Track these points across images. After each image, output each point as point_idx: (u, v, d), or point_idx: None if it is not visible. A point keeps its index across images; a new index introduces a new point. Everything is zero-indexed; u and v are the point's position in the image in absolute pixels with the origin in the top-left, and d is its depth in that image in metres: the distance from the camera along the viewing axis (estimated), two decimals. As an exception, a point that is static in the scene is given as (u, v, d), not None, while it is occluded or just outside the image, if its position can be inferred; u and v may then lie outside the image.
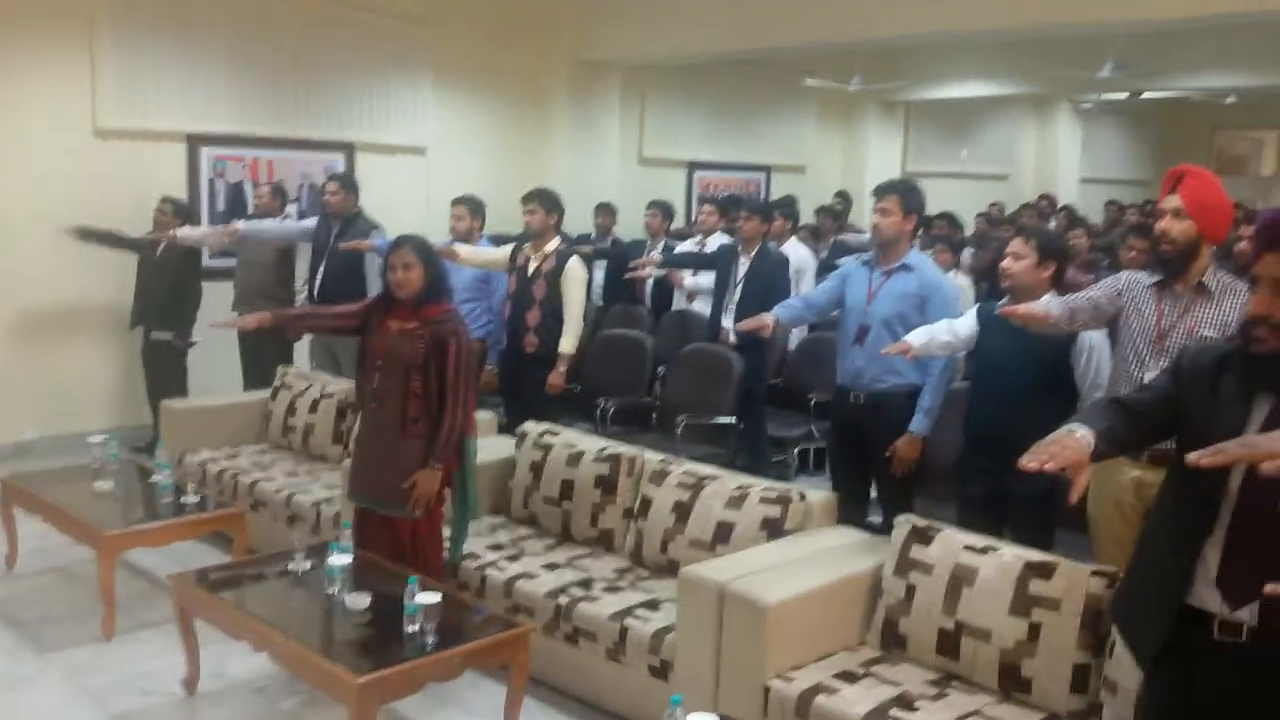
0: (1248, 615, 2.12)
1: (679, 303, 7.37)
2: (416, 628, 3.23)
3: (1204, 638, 2.18)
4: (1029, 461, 2.00)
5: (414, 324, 3.85)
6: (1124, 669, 2.84)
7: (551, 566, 4.06)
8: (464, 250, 5.65)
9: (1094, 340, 3.71)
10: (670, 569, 3.83)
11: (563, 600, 3.79)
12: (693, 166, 11.61)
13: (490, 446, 4.70)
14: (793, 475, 6.39)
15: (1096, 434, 2.12)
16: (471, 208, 6.08)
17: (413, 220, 7.16)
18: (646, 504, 4.13)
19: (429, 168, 8.75)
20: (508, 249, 5.66)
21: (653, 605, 3.72)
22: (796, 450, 6.43)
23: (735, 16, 8.40)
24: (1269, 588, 1.63)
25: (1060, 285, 3.85)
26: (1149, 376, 3.25)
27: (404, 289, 3.85)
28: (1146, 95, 14.33)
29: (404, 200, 8.28)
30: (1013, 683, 3.08)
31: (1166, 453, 2.30)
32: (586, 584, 3.89)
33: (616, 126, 10.12)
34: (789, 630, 3.25)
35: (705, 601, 3.35)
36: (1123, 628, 2.55)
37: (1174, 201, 3.32)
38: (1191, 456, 1.88)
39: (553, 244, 5.49)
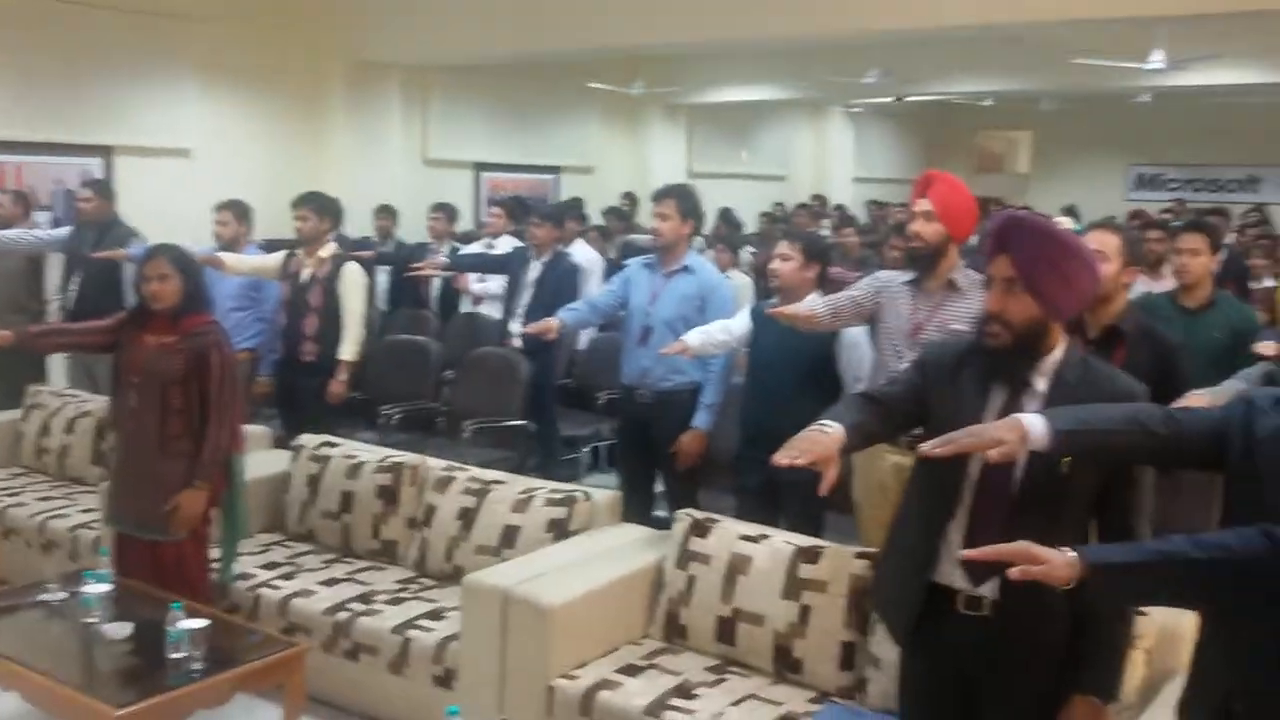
0: (989, 590, 2.28)
1: (466, 306, 7.28)
2: (182, 655, 3.07)
3: (951, 612, 2.34)
4: (781, 458, 2.08)
5: (172, 338, 3.65)
6: (886, 645, 3.00)
7: (330, 582, 3.94)
8: (230, 258, 5.41)
9: (855, 336, 3.90)
10: (456, 577, 3.78)
11: (341, 616, 3.69)
12: (479, 168, 11.54)
13: (264, 461, 4.53)
14: (584, 473, 6.44)
15: (846, 428, 2.23)
16: (237, 213, 5.83)
17: (178, 227, 6.76)
18: (430, 512, 4.07)
19: (194, 171, 8.36)
20: (279, 255, 5.46)
21: (437, 615, 3.67)
22: (588, 448, 6.48)
23: (516, 19, 8.40)
24: (964, 552, 1.78)
25: (825, 285, 4.03)
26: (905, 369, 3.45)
27: (160, 301, 3.65)
28: (911, 99, 15.21)
29: (168, 206, 7.82)
30: (786, 664, 3.21)
31: (922, 438, 2.45)
32: (367, 598, 3.80)
33: (398, 128, 9.95)
34: (573, 630, 3.27)
35: (489, 607, 3.33)
36: (879, 607, 2.70)
37: (924, 205, 3.53)
38: (924, 447, 2.01)
39: (328, 249, 5.33)
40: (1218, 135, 16.04)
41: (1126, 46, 9.56)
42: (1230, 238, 8.62)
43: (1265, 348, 3.57)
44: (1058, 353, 2.31)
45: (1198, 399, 2.96)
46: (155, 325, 3.69)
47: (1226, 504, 2.04)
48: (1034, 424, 1.99)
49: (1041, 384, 2.29)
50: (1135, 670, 2.64)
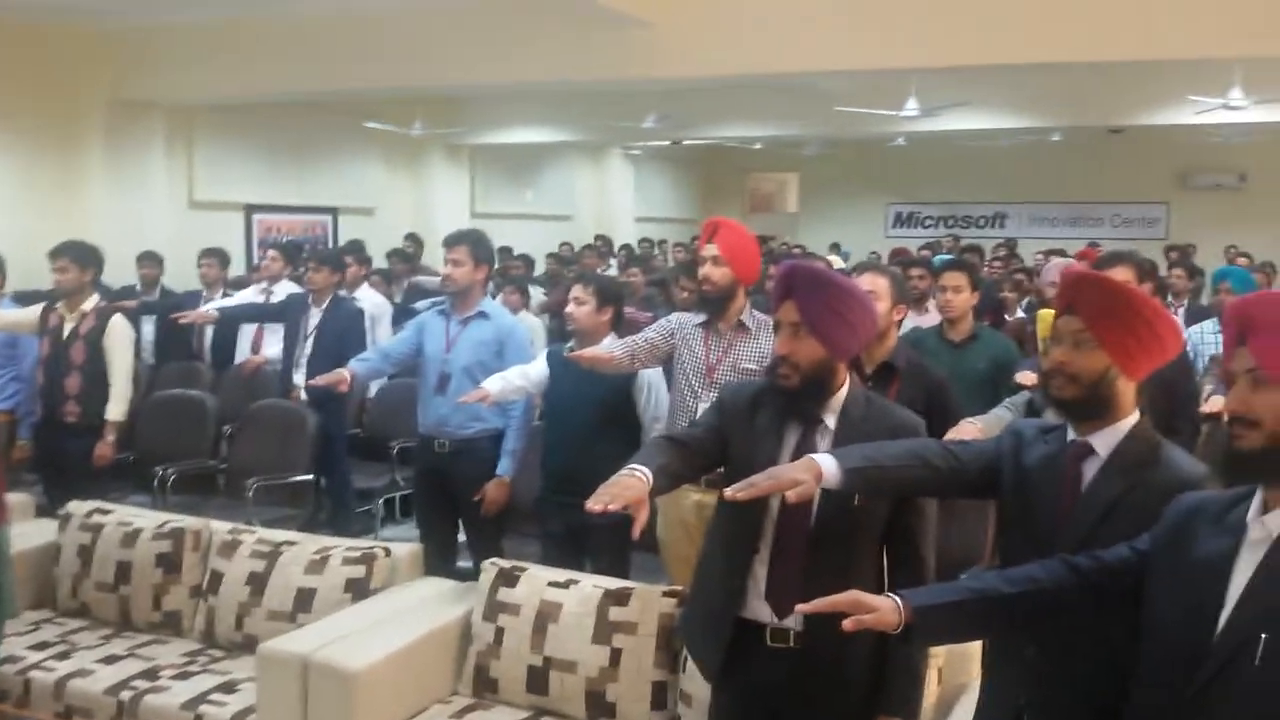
0: (794, 622, 2.37)
1: (244, 355, 6.94)
2: (-59, 756, 2.79)
3: (759, 646, 2.42)
4: (594, 504, 2.10)
5: (-81, 403, 3.34)
6: (697, 681, 3.05)
7: (110, 659, 3.66)
8: (-20, 313, 5.00)
9: (651, 377, 3.98)
10: (249, 647, 3.58)
11: (125, 695, 3.43)
12: (251, 209, 11.10)
13: (28, 532, 4.17)
14: (380, 526, 6.26)
15: (653, 471, 2.27)
16: (-15, 266, 5.40)
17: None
18: (217, 579, 3.85)
19: (-65, 222, 7.66)
20: (36, 309, 5.08)
21: (230, 688, 3.46)
22: (382, 500, 6.30)
23: (285, 58, 8.18)
24: (800, 606, 1.85)
25: (620, 326, 4.10)
26: (702, 407, 3.54)
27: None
28: (687, 143, 15.72)
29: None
30: (599, 709, 3.20)
31: (722, 477, 2.53)
32: (152, 674, 3.55)
33: (162, 169, 9.46)
34: (378, 693, 3.16)
35: (287, 677, 3.17)
36: (690, 644, 2.75)
37: (712, 250, 3.65)
38: (728, 493, 2.08)
39: (90, 302, 5.01)
40: (968, 176, 17.36)
41: (884, 95, 10.23)
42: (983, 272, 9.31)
43: (1024, 378, 3.87)
44: (844, 391, 2.44)
45: (970, 429, 3.18)
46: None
47: (1002, 529, 2.20)
48: (826, 463, 2.09)
49: (831, 421, 2.42)
50: (930, 688, 2.78)
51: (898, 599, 1.83)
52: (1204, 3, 6.31)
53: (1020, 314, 7.24)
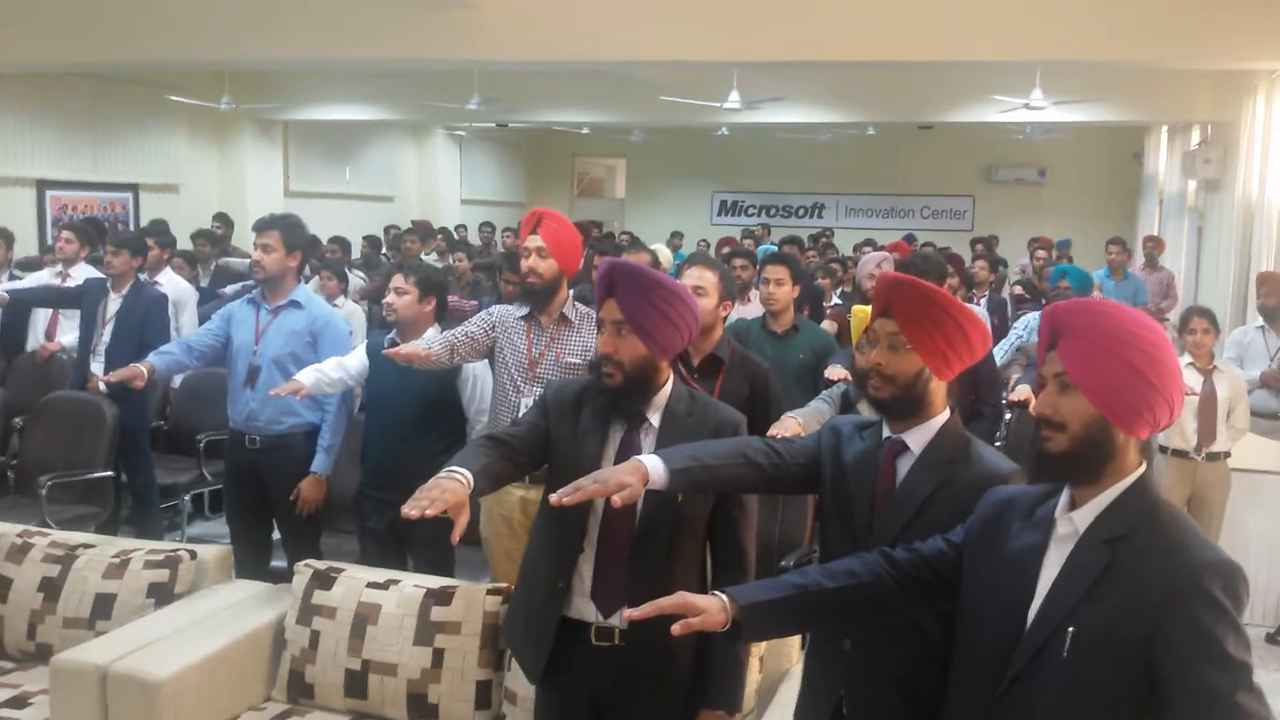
0: (619, 621, 2.37)
1: (36, 341, 6.46)
2: None
3: (584, 645, 2.42)
4: (411, 509, 2.03)
5: None
6: (522, 680, 3.01)
7: (-122, 678, 3.36)
8: None
9: (476, 370, 3.90)
10: (41, 657, 3.36)
11: (-104, 718, 3.16)
12: (43, 185, 10.37)
13: None
14: (187, 522, 5.96)
15: (475, 473, 2.21)
16: None
17: None
18: (5, 585, 3.57)
19: None
20: None
21: (21, 702, 3.22)
22: (189, 496, 5.99)
23: (78, 27, 7.64)
24: (628, 613, 1.83)
25: (443, 318, 3.99)
26: (525, 401, 3.50)
27: None
28: (514, 125, 15.55)
29: None
30: (421, 711, 3.13)
31: (547, 473, 2.50)
32: (-71, 692, 3.28)
33: (-58, 141, 8.72)
34: (185, 703, 3.01)
35: (84, 688, 2.99)
36: (513, 645, 2.71)
37: (536, 241, 3.60)
38: (553, 498, 2.05)
39: None
40: (789, 167, 17.85)
41: (707, 86, 10.37)
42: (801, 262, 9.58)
43: (834, 373, 3.96)
44: (667, 388, 2.45)
45: (792, 424, 3.25)
46: None
47: (823, 520, 2.25)
48: (653, 465, 2.09)
49: (656, 418, 2.43)
50: (751, 678, 2.83)
51: (724, 597, 1.84)
52: (1008, 10, 6.67)
53: (836, 302, 7.47)
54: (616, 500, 1.99)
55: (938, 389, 2.10)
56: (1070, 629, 1.66)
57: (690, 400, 2.48)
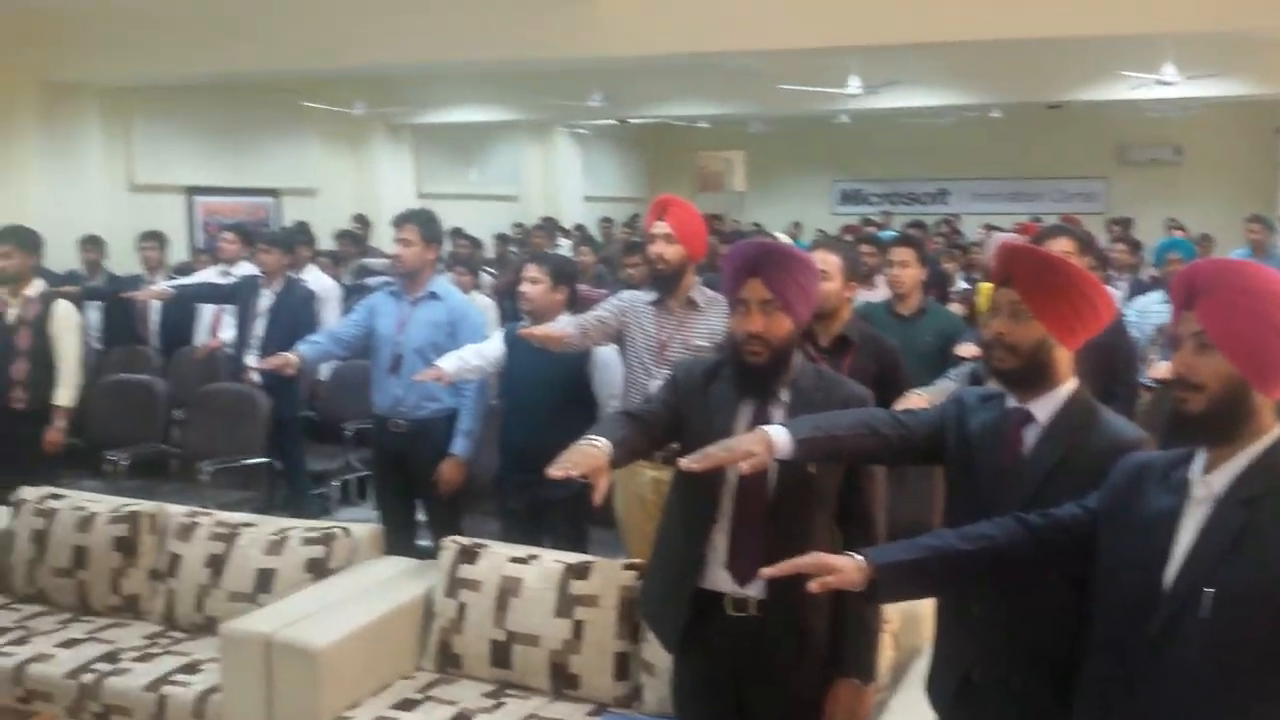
0: (754, 590, 2.43)
1: (201, 338, 6.86)
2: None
3: (720, 616, 2.47)
4: (555, 470, 2.15)
5: None
6: (658, 651, 3.12)
7: (69, 643, 3.65)
8: (-78, 302, 4.91)
9: (606, 355, 4.02)
10: (210, 628, 3.61)
11: (87, 678, 3.43)
12: (192, 192, 10.95)
13: (-21, 520, 4.14)
14: (335, 508, 6.25)
15: (612, 444, 2.32)
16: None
17: None
18: (175, 562, 3.84)
19: None
20: (-21, 297, 5.01)
21: (192, 669, 3.48)
22: (337, 482, 6.29)
23: (219, 38, 8.07)
24: (764, 571, 1.90)
25: (575, 305, 4.13)
26: (655, 384, 3.60)
27: None
28: (634, 121, 15.72)
29: None
30: (562, 680, 3.26)
31: (677, 453, 2.58)
32: (113, 656, 3.55)
33: (100, 152, 9.31)
34: (342, 670, 3.20)
35: (250, 656, 3.20)
36: (648, 616, 2.81)
37: (663, 228, 3.70)
38: (683, 462, 2.14)
39: (34, 287, 4.93)
40: (911, 153, 17.55)
41: (826, 73, 10.32)
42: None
43: (965, 350, 3.96)
44: (796, 364, 2.51)
45: (917, 399, 3.28)
46: None
47: (949, 492, 2.28)
48: (778, 434, 2.15)
49: (785, 394, 2.48)
50: (885, 652, 2.87)
51: (860, 558, 1.89)
52: (1137, -20, 6.49)
53: (962, 285, 7.38)
54: (744, 468, 2.07)
55: (1062, 358, 2.09)
56: (1209, 590, 1.66)
57: (817, 376, 2.54)
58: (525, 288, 4.06)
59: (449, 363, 4.02)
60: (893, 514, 2.66)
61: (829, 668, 2.51)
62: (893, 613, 2.94)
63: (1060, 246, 3.99)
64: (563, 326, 3.77)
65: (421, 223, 4.41)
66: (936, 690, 2.28)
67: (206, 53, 8.22)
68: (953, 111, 14.46)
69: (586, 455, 2.23)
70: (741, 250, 2.52)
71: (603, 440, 2.30)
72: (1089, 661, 1.87)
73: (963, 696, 2.17)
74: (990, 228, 11.31)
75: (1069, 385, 2.12)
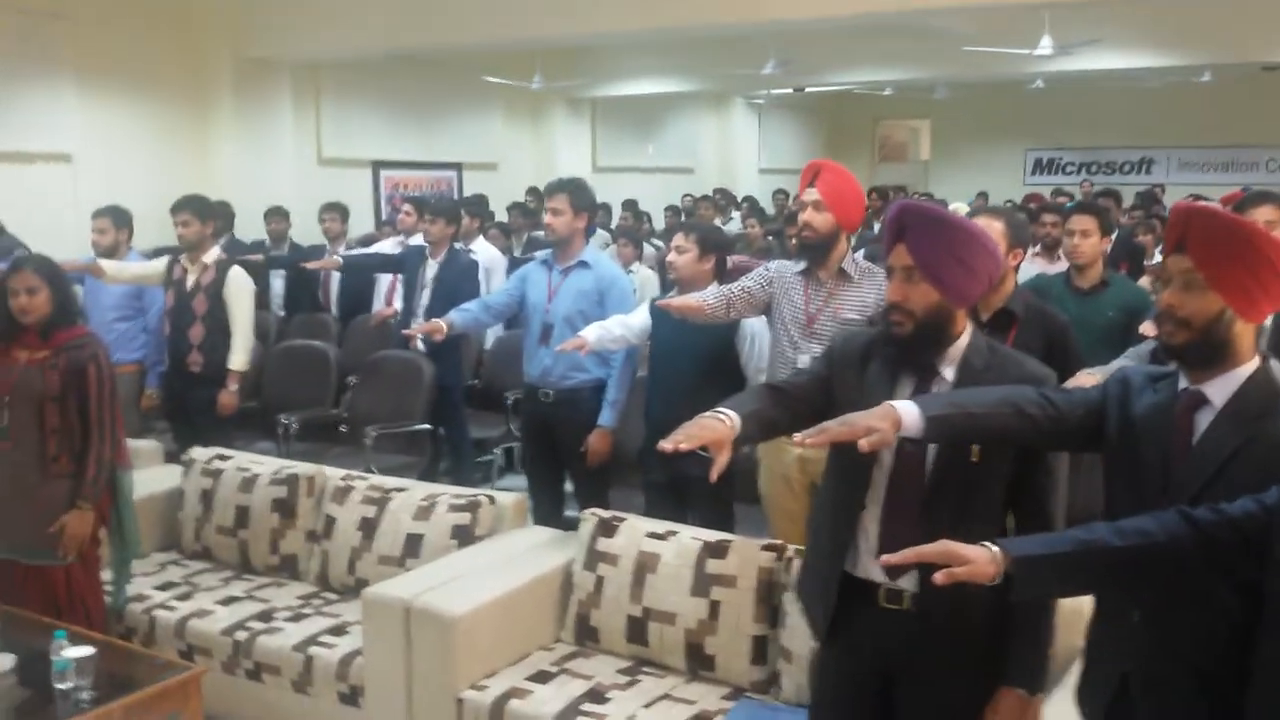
0: (908, 583, 2.23)
1: (377, 306, 7.06)
2: (69, 685, 2.93)
3: (871, 606, 2.28)
4: (667, 444, 2.03)
5: (45, 352, 3.48)
6: (797, 637, 2.99)
7: (228, 601, 3.81)
8: (110, 266, 5.17)
9: (754, 327, 3.88)
10: (359, 590, 3.67)
11: (240, 636, 3.57)
12: (378, 166, 11.32)
13: (156, 477, 4.38)
14: (497, 475, 6.34)
15: (743, 416, 2.18)
16: (115, 219, 5.56)
17: (60, 235, 6.53)
18: (330, 524, 3.95)
19: (76, 176, 8.02)
20: (161, 262, 5.26)
21: (339, 630, 3.56)
22: (499, 450, 6.38)
23: (406, 13, 8.26)
24: (885, 557, 1.74)
25: (723, 276, 4.00)
26: (803, 358, 3.44)
27: (29, 315, 3.48)
28: (811, 90, 15.35)
29: (48, 214, 7.50)
30: (698, 661, 3.18)
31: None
32: (267, 615, 3.68)
33: (290, 126, 9.70)
34: (480, 639, 3.20)
35: (391, 620, 3.24)
36: (803, 601, 2.64)
37: (813, 195, 3.52)
38: (797, 438, 1.98)
39: (211, 254, 5.15)
40: (1111, 119, 16.54)
41: (1015, 33, 9.75)
42: (1121, 219, 8.86)
43: (1148, 328, 3.63)
44: (964, 339, 2.28)
45: (1088, 378, 3.00)
46: (26, 340, 3.51)
47: (1108, 481, 2.04)
48: (907, 410, 1.97)
49: (949, 372, 2.26)
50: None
51: (995, 548, 1.73)
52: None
53: (1159, 259, 6.84)
54: (864, 445, 1.90)
55: (1243, 333, 1.84)
56: None
57: (990, 353, 2.28)
58: (672, 257, 3.97)
59: (591, 332, 3.98)
60: (1070, 508, 2.41)
61: (992, 676, 2.27)
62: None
63: (1264, 215, 3.63)
64: (704, 296, 3.65)
65: (571, 191, 4.38)
66: (1088, 700, 2.07)
67: (392, 28, 8.44)
68: (1158, 74, 13.44)
69: (706, 428, 2.11)
70: (890, 212, 2.33)
71: (730, 413, 2.17)
72: (1258, 684, 1.65)
73: (1117, 709, 1.97)
74: (1196, 198, 10.49)
75: (1250, 365, 1.87)
